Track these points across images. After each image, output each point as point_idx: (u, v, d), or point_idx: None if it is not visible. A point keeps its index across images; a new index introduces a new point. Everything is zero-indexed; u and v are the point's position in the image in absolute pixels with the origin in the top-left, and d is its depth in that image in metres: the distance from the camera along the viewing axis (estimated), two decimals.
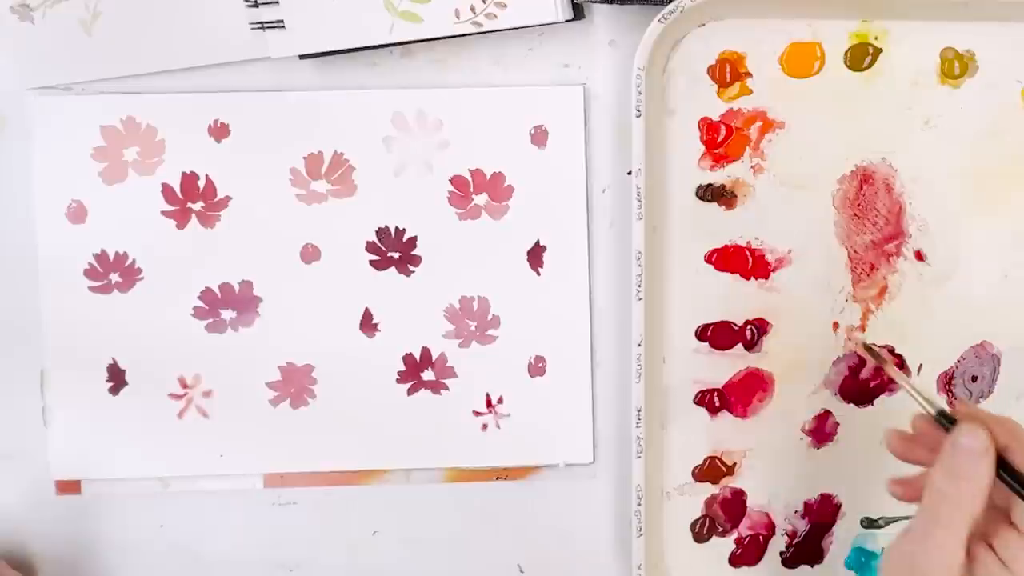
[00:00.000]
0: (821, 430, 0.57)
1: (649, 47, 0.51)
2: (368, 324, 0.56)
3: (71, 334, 0.55)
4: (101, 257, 0.55)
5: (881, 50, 0.55)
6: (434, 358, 0.56)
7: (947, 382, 0.57)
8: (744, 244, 0.56)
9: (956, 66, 0.55)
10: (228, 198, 0.55)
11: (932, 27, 0.54)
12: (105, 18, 0.53)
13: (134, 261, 0.55)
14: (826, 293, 0.56)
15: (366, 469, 0.57)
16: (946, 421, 0.44)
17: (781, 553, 0.58)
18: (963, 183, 0.56)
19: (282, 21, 0.52)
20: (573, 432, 0.57)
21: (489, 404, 0.57)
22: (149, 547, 0.57)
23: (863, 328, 0.56)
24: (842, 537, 0.58)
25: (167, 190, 0.55)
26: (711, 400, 0.56)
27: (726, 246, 0.56)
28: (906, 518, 0.57)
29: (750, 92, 0.54)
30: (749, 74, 0.54)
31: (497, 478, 0.57)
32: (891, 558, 0.43)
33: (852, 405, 0.57)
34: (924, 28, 0.54)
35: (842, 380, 0.57)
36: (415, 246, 0.56)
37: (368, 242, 0.56)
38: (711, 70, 0.54)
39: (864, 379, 0.57)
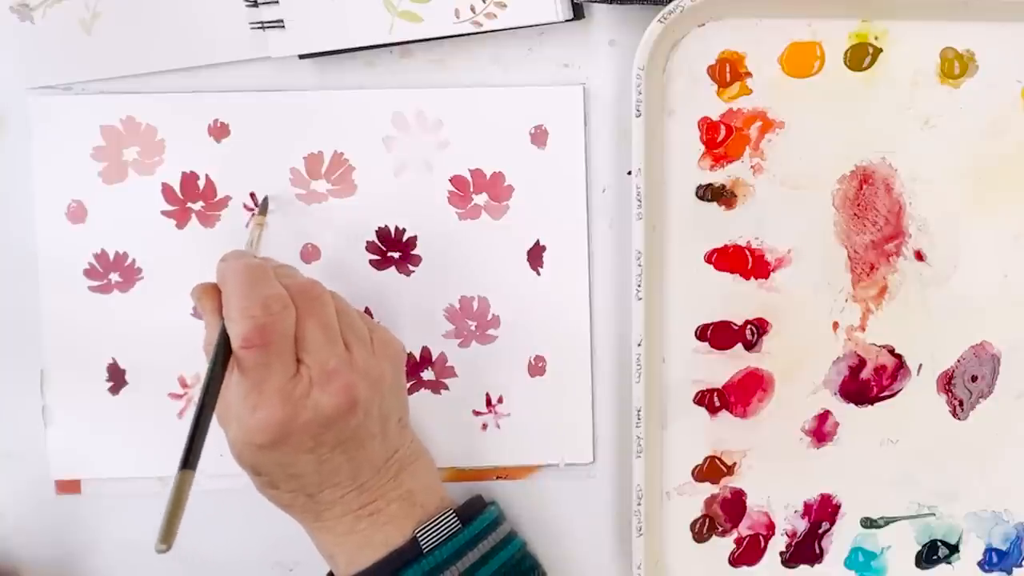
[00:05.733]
0: (821, 430, 0.57)
1: (649, 47, 0.51)
2: None
3: (71, 334, 0.55)
4: (101, 257, 0.55)
5: (881, 50, 0.55)
6: (434, 358, 0.56)
7: (947, 382, 0.57)
8: (744, 244, 0.55)
9: (956, 66, 0.55)
10: (228, 198, 0.55)
11: (932, 27, 0.54)
12: (105, 18, 0.53)
13: (134, 261, 0.55)
14: (826, 293, 0.56)
15: None
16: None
17: (781, 553, 0.58)
18: (963, 183, 0.56)
19: (282, 21, 0.52)
20: (573, 432, 0.57)
21: (489, 404, 0.57)
22: (149, 547, 0.56)
23: (863, 328, 0.56)
24: (842, 537, 0.58)
25: (167, 190, 0.55)
26: (711, 400, 0.56)
27: (726, 246, 0.56)
28: (906, 518, 0.58)
29: (750, 92, 0.54)
30: (749, 74, 0.54)
31: (497, 478, 0.57)
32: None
33: (852, 405, 0.57)
34: (924, 28, 0.54)
35: (842, 380, 0.57)
36: (415, 246, 0.56)
37: (368, 242, 0.56)
38: (711, 70, 0.54)
39: (864, 379, 0.57)
